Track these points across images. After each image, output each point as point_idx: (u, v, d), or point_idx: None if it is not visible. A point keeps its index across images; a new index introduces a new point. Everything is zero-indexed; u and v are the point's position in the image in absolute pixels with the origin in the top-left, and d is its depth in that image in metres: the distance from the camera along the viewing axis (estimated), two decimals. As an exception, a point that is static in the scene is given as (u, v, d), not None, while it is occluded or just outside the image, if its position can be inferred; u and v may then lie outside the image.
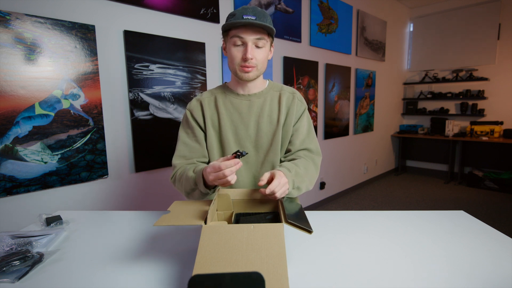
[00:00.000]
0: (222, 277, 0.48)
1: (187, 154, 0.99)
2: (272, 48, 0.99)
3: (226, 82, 1.07)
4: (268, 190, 0.73)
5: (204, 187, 0.84)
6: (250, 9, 0.89)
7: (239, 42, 0.90)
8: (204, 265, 0.52)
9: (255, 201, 0.81)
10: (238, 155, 0.74)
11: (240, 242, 0.57)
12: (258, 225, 0.60)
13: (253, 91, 1.01)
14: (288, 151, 1.01)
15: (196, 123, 1.01)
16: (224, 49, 0.98)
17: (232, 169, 0.73)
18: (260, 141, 0.99)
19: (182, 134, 1.02)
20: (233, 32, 0.90)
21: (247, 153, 0.73)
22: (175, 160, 1.00)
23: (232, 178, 0.74)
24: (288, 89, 1.05)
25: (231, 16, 0.91)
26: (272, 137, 0.99)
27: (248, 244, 0.56)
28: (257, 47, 0.91)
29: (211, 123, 1.00)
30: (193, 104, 1.03)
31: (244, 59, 0.90)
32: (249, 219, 0.74)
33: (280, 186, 0.76)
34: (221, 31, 0.96)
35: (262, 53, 0.93)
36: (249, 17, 0.87)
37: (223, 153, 1.01)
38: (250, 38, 0.89)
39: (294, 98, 1.02)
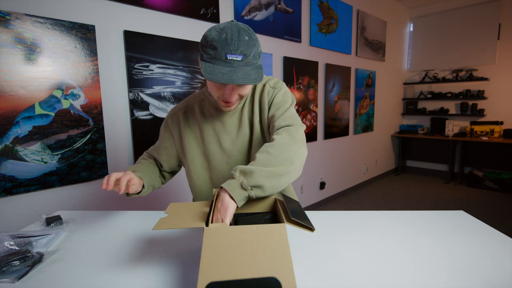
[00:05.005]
0: (239, 283, 0.48)
1: (148, 157, 1.06)
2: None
3: (206, 87, 0.97)
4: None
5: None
6: (234, 44, 0.73)
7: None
8: (210, 269, 0.52)
9: (251, 201, 0.81)
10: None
11: (244, 244, 0.56)
12: (260, 226, 0.60)
13: None
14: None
15: (168, 134, 1.01)
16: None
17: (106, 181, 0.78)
18: (244, 147, 0.95)
19: (158, 138, 1.06)
20: None
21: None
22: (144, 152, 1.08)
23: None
24: (263, 80, 0.94)
25: (211, 47, 0.74)
26: (251, 138, 0.94)
27: (253, 245, 0.56)
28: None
29: (191, 135, 0.96)
30: (172, 117, 1.00)
31: (224, 100, 0.83)
32: (248, 220, 0.73)
33: (221, 216, 0.66)
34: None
35: (246, 89, 0.83)
36: (234, 58, 0.73)
37: (208, 164, 0.96)
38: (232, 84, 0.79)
39: (264, 89, 0.91)
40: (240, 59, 0.74)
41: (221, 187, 0.71)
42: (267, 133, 0.92)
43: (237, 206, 0.69)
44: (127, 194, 0.88)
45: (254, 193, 0.71)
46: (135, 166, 0.96)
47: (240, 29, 0.75)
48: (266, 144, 0.79)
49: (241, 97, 0.86)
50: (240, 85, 0.80)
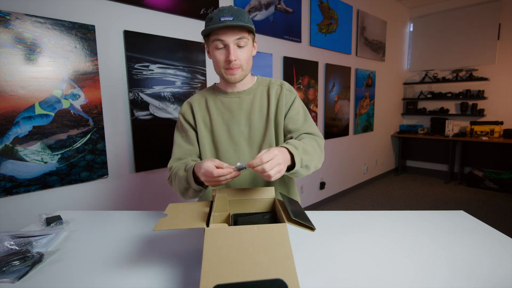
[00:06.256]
0: (245, 286, 0.48)
1: (181, 156, 1.01)
2: (255, 44, 0.99)
3: (215, 83, 1.08)
4: (257, 160, 0.69)
5: (196, 185, 0.84)
6: (226, 10, 0.89)
7: (220, 45, 0.90)
8: (212, 270, 0.51)
9: (250, 201, 0.80)
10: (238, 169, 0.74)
11: (246, 244, 0.56)
12: (262, 226, 0.60)
13: (242, 88, 1.02)
14: (289, 138, 1.00)
15: (189, 125, 1.03)
16: (208, 52, 0.98)
17: (227, 177, 0.74)
18: (253, 137, 1.00)
19: (177, 137, 1.04)
20: (214, 36, 0.89)
21: (245, 168, 0.73)
22: (171, 163, 1.01)
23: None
24: (276, 81, 1.05)
25: (208, 20, 0.90)
26: (265, 131, 0.99)
27: (254, 245, 0.56)
28: (239, 47, 0.91)
29: (203, 124, 1.01)
30: (184, 107, 1.04)
31: (228, 61, 0.90)
32: (248, 220, 0.73)
33: (273, 164, 0.70)
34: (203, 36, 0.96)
35: (245, 52, 0.92)
36: (227, 18, 0.86)
37: (216, 153, 1.01)
38: (231, 39, 0.88)
39: (282, 89, 1.02)
40: (231, 19, 0.86)
41: (283, 147, 0.79)
42: (277, 129, 1.00)
43: (289, 170, 0.81)
44: (204, 186, 0.87)
45: (302, 170, 0.85)
46: (183, 166, 0.93)
47: (231, 5, 0.92)
48: (310, 136, 0.96)
49: (240, 63, 0.92)
50: (238, 47, 0.90)
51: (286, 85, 1.04)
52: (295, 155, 0.80)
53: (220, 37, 0.88)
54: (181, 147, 1.02)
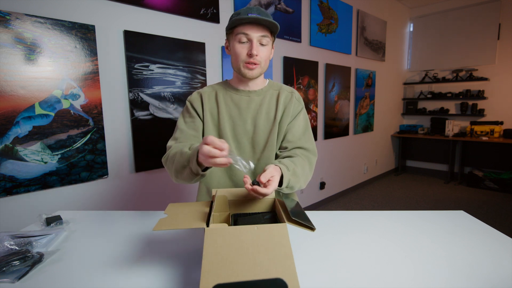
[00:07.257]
0: (245, 285, 0.48)
1: (183, 140, 0.99)
2: (272, 48, 1.01)
3: (227, 80, 1.09)
4: (263, 181, 0.75)
5: (196, 165, 0.81)
6: (254, 9, 0.92)
7: (244, 39, 0.92)
8: (212, 270, 0.51)
9: (250, 201, 0.80)
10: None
11: (246, 244, 0.56)
12: (262, 226, 0.60)
13: (253, 88, 1.03)
14: (284, 148, 1.01)
15: (195, 113, 1.03)
16: (226, 47, 1.00)
17: (223, 154, 0.70)
18: (257, 138, 1.00)
19: (180, 122, 1.03)
20: (239, 29, 0.92)
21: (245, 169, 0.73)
22: (171, 143, 0.98)
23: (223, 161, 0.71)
24: (288, 88, 1.07)
25: (236, 15, 0.93)
26: (269, 134, 1.00)
27: (254, 245, 0.56)
28: (261, 44, 0.94)
29: (210, 116, 1.02)
30: (194, 96, 1.05)
31: (249, 55, 0.93)
32: (248, 220, 0.73)
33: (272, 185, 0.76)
34: (224, 31, 1.01)
35: (266, 51, 0.96)
36: (254, 15, 0.89)
37: None
38: (255, 35, 0.92)
39: (292, 97, 1.04)
40: (259, 16, 0.90)
41: (277, 166, 0.84)
42: (279, 135, 1.02)
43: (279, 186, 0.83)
44: (204, 171, 0.84)
45: (285, 190, 0.88)
46: (188, 145, 0.92)
47: (258, 6, 0.96)
48: (302, 159, 0.96)
49: (260, 59, 0.95)
50: (261, 45, 0.94)
51: (296, 94, 1.06)
52: (284, 176, 0.83)
53: (245, 31, 0.91)
54: (183, 131, 1.00)
